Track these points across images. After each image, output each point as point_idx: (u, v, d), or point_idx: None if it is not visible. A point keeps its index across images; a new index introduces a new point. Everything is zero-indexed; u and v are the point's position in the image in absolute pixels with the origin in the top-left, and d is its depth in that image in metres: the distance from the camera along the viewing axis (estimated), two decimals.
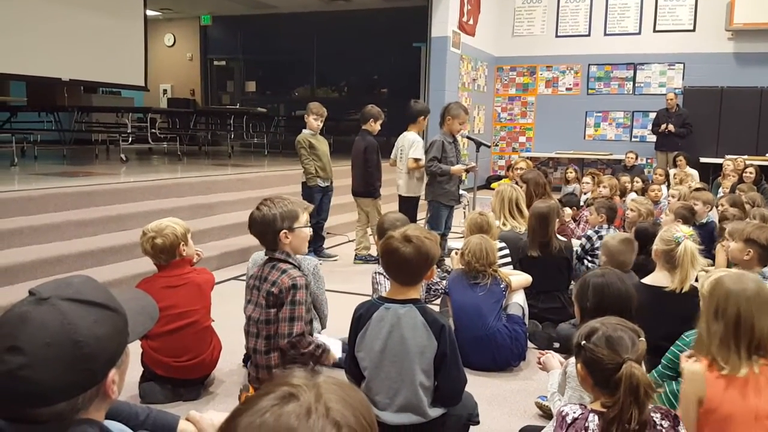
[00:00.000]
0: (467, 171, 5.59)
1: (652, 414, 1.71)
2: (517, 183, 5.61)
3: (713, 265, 4.29)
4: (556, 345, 3.48)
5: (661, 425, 1.70)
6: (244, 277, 3.35)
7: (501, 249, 4.10)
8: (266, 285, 2.69)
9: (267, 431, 0.77)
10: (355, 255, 5.97)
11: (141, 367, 2.97)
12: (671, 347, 2.49)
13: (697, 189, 6.10)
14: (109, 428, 1.24)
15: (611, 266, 3.47)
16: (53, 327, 1.12)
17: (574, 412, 1.75)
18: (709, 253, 4.60)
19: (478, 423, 2.55)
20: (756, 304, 1.92)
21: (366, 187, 5.87)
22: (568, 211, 5.54)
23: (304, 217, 2.79)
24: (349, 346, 2.43)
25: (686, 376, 2.00)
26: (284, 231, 2.70)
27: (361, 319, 2.37)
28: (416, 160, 5.57)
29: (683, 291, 2.89)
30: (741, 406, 1.87)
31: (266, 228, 2.70)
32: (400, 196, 5.79)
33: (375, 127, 5.83)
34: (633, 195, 7.02)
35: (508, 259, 4.11)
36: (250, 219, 2.78)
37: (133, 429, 1.48)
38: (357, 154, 5.88)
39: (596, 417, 1.71)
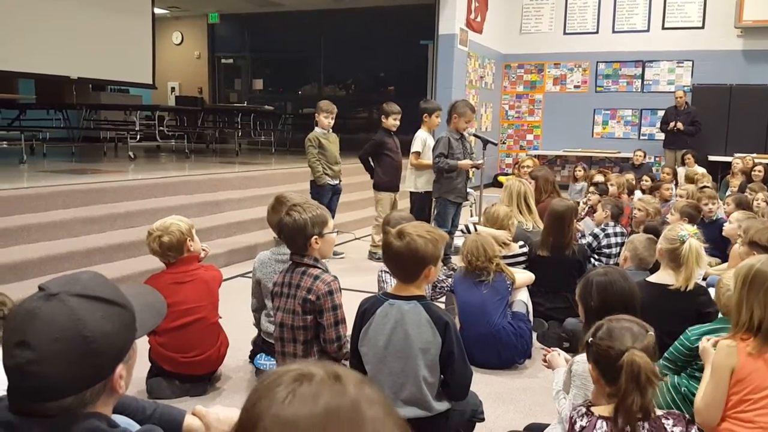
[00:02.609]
0: (474, 167, 5.60)
1: (664, 420, 1.71)
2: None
3: (722, 263, 4.28)
4: (566, 345, 3.47)
5: (672, 431, 1.70)
6: (250, 275, 3.37)
7: (521, 247, 4.13)
8: (301, 292, 2.65)
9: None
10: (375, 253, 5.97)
11: (148, 363, 3.00)
12: (675, 342, 2.51)
13: (702, 187, 6.08)
14: (117, 422, 1.26)
15: (633, 262, 3.48)
16: (62, 322, 1.13)
17: (582, 420, 1.75)
18: (717, 250, 4.59)
19: (483, 420, 2.56)
20: None
21: (379, 180, 6.08)
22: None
23: (331, 222, 2.81)
24: (352, 340, 2.45)
25: (720, 349, 2.13)
26: (315, 237, 2.69)
27: (365, 313, 2.38)
28: (416, 155, 5.72)
29: (688, 289, 2.88)
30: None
31: (297, 233, 2.68)
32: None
33: (387, 122, 5.98)
34: (639, 194, 7.00)
35: (524, 255, 4.12)
36: (279, 224, 2.80)
37: (139, 423, 1.49)
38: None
39: (604, 423, 1.72)
